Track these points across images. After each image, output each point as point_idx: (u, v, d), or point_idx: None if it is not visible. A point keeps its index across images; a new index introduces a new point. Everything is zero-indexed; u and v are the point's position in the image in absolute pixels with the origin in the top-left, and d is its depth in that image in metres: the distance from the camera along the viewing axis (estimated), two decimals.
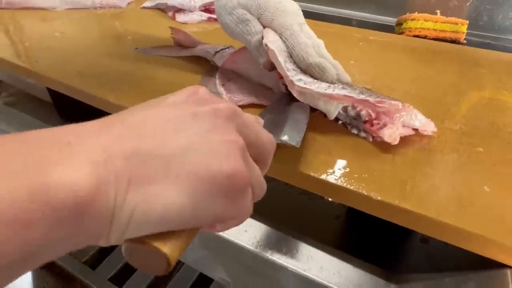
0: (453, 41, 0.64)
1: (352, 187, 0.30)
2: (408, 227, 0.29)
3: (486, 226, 0.27)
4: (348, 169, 0.32)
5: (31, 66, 0.48)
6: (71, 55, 0.51)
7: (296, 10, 0.38)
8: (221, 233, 0.37)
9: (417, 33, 0.64)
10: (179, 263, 0.89)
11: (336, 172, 0.31)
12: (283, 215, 0.43)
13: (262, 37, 0.37)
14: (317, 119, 0.38)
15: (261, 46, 0.37)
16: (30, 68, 0.48)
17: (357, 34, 0.62)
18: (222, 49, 0.48)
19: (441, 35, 0.64)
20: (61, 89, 0.45)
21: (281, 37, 0.37)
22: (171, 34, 0.54)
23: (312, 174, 0.31)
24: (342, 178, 0.31)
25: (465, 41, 0.65)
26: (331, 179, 0.31)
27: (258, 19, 0.37)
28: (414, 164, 0.32)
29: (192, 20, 0.64)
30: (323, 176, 0.31)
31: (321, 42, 0.38)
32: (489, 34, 0.68)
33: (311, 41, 0.37)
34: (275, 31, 0.37)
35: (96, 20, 0.67)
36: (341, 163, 0.32)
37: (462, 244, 0.27)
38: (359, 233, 0.43)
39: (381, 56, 0.55)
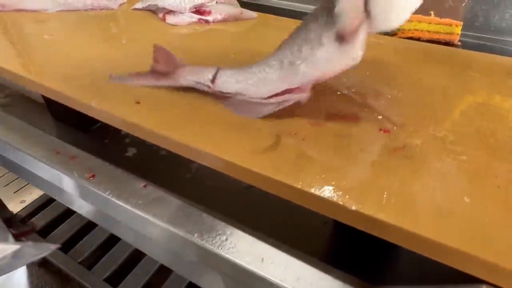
0: (447, 43, 0.63)
1: (327, 196, 0.29)
2: (384, 238, 0.28)
3: (464, 239, 0.26)
4: (324, 175, 0.31)
5: (15, 69, 0.48)
6: (57, 58, 0.51)
7: None
8: (203, 243, 0.37)
9: (410, 35, 0.62)
10: (169, 270, 0.89)
11: (311, 178, 0.30)
12: (266, 221, 0.43)
13: None
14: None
15: None
16: (13, 71, 0.47)
17: None
18: (216, 73, 0.40)
19: (435, 36, 0.63)
20: (43, 92, 0.45)
21: None
22: (153, 51, 0.45)
23: (283, 180, 0.30)
24: (318, 185, 0.30)
25: (459, 43, 0.64)
26: (304, 186, 0.30)
27: None
28: (394, 173, 0.31)
29: (183, 21, 0.63)
30: (298, 184, 0.30)
31: None
32: (485, 36, 0.66)
33: None
34: None
35: (87, 21, 0.66)
36: (318, 169, 0.31)
37: (439, 258, 0.26)
38: (346, 240, 0.42)
39: (371, 59, 0.54)
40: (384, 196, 0.29)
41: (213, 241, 0.37)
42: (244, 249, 0.36)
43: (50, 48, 0.54)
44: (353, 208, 0.28)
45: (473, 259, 0.25)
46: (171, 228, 0.38)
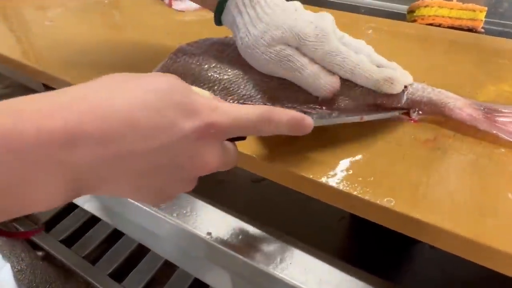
0: (470, 30, 0.59)
1: (355, 192, 0.26)
2: (419, 239, 0.26)
3: (508, 239, 0.23)
4: (351, 171, 0.28)
5: (15, 56, 0.45)
6: (58, 45, 0.48)
7: (332, 25, 0.33)
8: (214, 242, 0.34)
9: (430, 21, 0.59)
10: (174, 267, 0.86)
11: (338, 175, 0.28)
12: (281, 217, 0.40)
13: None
14: None
15: (317, 79, 0.31)
16: (13, 58, 0.45)
17: (366, 23, 0.58)
18: None
19: (457, 23, 0.59)
20: (43, 79, 0.42)
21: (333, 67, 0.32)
22: None
23: (308, 176, 0.28)
24: (344, 181, 0.27)
25: (483, 30, 0.60)
26: (331, 182, 0.27)
27: (298, 49, 0.32)
28: (427, 166, 0.29)
29: (189, 7, 0.60)
30: (323, 179, 0.27)
31: (364, 44, 0.34)
32: (509, 23, 0.63)
33: (363, 53, 0.32)
34: (322, 60, 0.32)
35: (90, 8, 0.64)
36: (343, 164, 0.29)
37: (482, 261, 0.24)
38: (364, 237, 0.39)
39: (391, 46, 0.51)
40: (419, 192, 0.26)
41: (224, 238, 0.34)
42: (260, 248, 0.33)
43: (51, 34, 0.52)
44: (385, 205, 0.25)
45: None
46: (179, 225, 0.36)
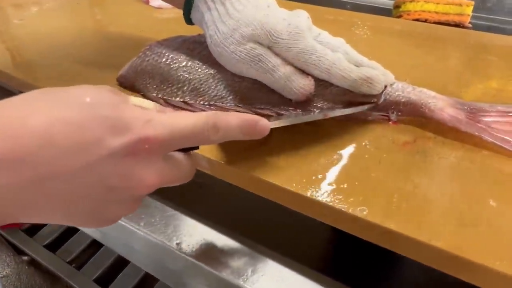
0: (457, 25, 0.58)
1: (326, 200, 0.24)
2: (394, 250, 0.24)
3: (491, 253, 0.21)
4: (322, 177, 0.26)
5: None
6: (24, 44, 0.46)
7: (307, 22, 0.31)
8: (183, 253, 0.32)
9: (416, 17, 0.57)
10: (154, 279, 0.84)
11: (307, 181, 0.26)
12: (259, 224, 0.38)
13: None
14: None
15: (290, 82, 0.29)
16: None
17: (350, 18, 0.56)
18: None
19: (444, 18, 0.57)
20: (4, 79, 0.40)
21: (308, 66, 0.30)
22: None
23: (274, 182, 0.26)
24: (314, 188, 0.25)
25: (470, 25, 0.58)
26: (300, 189, 0.25)
27: (270, 47, 0.30)
28: (404, 171, 0.27)
29: (167, 5, 0.58)
30: (291, 186, 0.25)
31: (342, 42, 0.31)
32: (497, 17, 0.61)
33: (339, 52, 0.30)
34: (296, 60, 0.29)
35: (65, 5, 0.61)
36: (314, 169, 0.27)
37: (461, 275, 0.22)
38: (343, 246, 0.37)
39: (375, 42, 0.49)
40: (394, 200, 0.24)
41: (195, 250, 0.32)
42: (230, 259, 0.31)
43: (18, 33, 0.49)
44: (356, 214, 0.23)
45: (502, 278, 0.20)
46: (147, 234, 0.34)
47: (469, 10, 0.57)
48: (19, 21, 0.53)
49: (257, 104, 0.32)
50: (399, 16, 0.59)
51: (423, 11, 0.57)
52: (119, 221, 0.35)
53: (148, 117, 0.20)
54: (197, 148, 0.24)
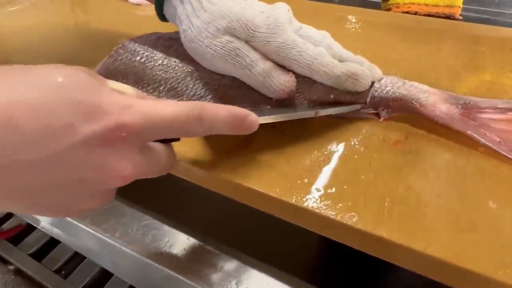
0: (448, 17, 0.56)
1: (312, 207, 0.22)
2: (386, 260, 0.22)
3: (490, 260, 0.19)
4: (308, 181, 0.24)
5: None
6: None
7: (288, 14, 0.28)
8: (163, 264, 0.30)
9: (406, 9, 0.55)
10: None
11: (292, 185, 0.24)
12: (244, 231, 0.36)
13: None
14: None
15: (269, 78, 0.27)
16: None
17: (338, 12, 0.54)
18: None
19: (434, 10, 0.56)
20: None
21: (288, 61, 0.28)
22: None
23: (256, 188, 0.23)
24: (299, 193, 0.23)
25: (461, 17, 0.57)
26: (283, 195, 0.23)
27: (248, 42, 0.28)
28: (396, 172, 0.25)
29: (146, 2, 0.56)
30: (273, 191, 0.23)
31: (327, 36, 0.30)
32: (488, 9, 0.60)
33: (322, 46, 0.28)
34: (276, 55, 0.27)
35: (39, 2, 0.58)
36: (298, 172, 0.25)
37: (460, 286, 0.20)
38: (333, 254, 0.35)
39: (364, 36, 0.47)
40: (386, 204, 0.22)
41: (176, 261, 0.30)
42: (214, 269, 0.29)
43: None
44: (345, 221, 0.21)
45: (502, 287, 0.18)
46: (124, 246, 0.31)
47: (459, 2, 0.55)
48: None
49: (238, 103, 0.30)
50: (388, 9, 0.57)
51: (413, 3, 0.55)
52: (95, 233, 0.33)
53: (127, 103, 0.18)
54: (178, 139, 0.22)
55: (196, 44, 0.28)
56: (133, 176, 0.19)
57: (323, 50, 0.28)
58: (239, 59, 0.27)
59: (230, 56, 0.27)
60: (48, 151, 0.16)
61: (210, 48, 0.27)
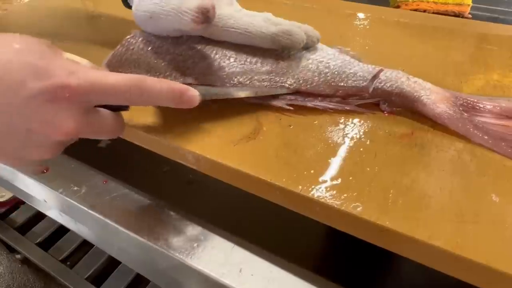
0: (457, 16, 0.56)
1: (317, 196, 0.23)
2: (390, 250, 0.22)
3: (494, 252, 0.19)
4: (314, 172, 0.24)
5: None
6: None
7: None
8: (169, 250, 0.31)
9: (415, 7, 0.55)
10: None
11: (299, 176, 0.24)
12: (251, 223, 0.36)
13: None
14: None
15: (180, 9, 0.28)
16: None
17: (347, 9, 0.54)
18: None
19: (443, 8, 0.55)
20: None
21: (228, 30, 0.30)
22: None
23: (265, 178, 0.24)
24: (305, 183, 0.24)
25: (470, 15, 0.57)
26: (290, 185, 0.23)
27: None
28: (401, 165, 0.25)
29: None
30: (281, 182, 0.24)
31: (269, 14, 0.32)
32: (497, 8, 0.59)
33: (259, 17, 0.31)
34: (215, 27, 0.30)
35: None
36: (305, 164, 0.25)
37: (462, 276, 0.20)
38: (339, 245, 0.36)
39: (372, 33, 0.47)
40: (390, 195, 0.23)
41: (182, 249, 0.30)
42: (218, 257, 0.29)
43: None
44: (350, 211, 0.22)
45: (507, 278, 0.19)
46: (138, 237, 0.32)
47: (469, 0, 0.55)
48: (2, 12, 0.51)
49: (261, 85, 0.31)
50: (397, 7, 0.57)
51: (422, 1, 0.55)
52: (105, 220, 0.34)
53: (74, 69, 0.21)
54: (126, 108, 0.25)
55: (138, 11, 0.30)
56: (75, 132, 0.22)
57: (259, 18, 0.30)
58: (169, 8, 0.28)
59: (160, 5, 0.29)
60: (3, 101, 0.19)
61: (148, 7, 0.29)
